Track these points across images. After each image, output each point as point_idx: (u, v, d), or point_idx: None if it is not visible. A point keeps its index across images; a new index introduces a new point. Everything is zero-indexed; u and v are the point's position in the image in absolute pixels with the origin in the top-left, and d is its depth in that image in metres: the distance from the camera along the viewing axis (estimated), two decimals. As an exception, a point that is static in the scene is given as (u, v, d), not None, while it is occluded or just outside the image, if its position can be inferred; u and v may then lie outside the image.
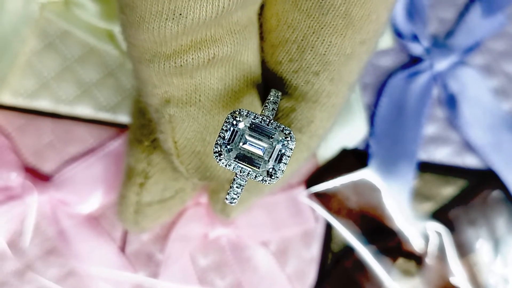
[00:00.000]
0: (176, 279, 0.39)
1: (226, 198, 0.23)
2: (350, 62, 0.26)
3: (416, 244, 0.41)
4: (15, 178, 0.38)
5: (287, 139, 0.22)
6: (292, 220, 0.39)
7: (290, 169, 0.29)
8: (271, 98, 0.24)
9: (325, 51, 0.25)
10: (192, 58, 0.22)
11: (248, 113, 0.22)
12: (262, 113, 0.23)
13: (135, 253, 0.39)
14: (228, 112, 0.24)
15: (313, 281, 0.40)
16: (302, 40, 0.25)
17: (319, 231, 0.40)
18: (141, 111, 0.30)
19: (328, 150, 0.40)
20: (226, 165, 0.22)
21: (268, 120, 0.22)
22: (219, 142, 0.22)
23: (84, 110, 0.38)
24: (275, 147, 0.22)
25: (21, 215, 0.38)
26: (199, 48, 0.21)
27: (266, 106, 0.23)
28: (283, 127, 0.22)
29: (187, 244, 0.39)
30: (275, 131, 0.22)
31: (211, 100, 0.24)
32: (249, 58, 0.24)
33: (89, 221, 0.39)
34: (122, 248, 0.39)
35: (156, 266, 0.39)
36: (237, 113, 0.22)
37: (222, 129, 0.22)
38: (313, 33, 0.25)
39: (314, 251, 0.40)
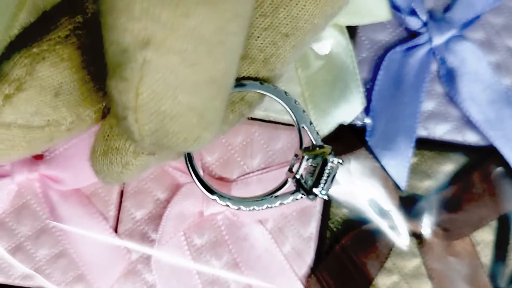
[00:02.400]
0: (169, 259, 0.38)
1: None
2: (311, 33, 0.26)
3: (407, 227, 0.40)
4: (4, 155, 0.37)
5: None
6: (289, 198, 0.38)
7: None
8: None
9: (297, 14, 0.25)
10: None
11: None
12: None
13: (128, 233, 0.38)
14: (213, 70, 0.21)
15: (311, 260, 0.39)
16: None
17: (317, 209, 0.39)
18: (47, 19, 0.25)
19: (325, 126, 0.39)
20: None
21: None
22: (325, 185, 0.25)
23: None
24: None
25: (11, 194, 0.37)
26: None
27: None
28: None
29: (182, 222, 0.38)
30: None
31: (199, 54, 0.20)
32: (247, 13, 0.21)
33: (80, 200, 0.38)
34: (115, 228, 0.38)
35: (150, 246, 0.38)
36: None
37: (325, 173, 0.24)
38: None
39: (312, 229, 0.39)
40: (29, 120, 0.24)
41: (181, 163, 0.38)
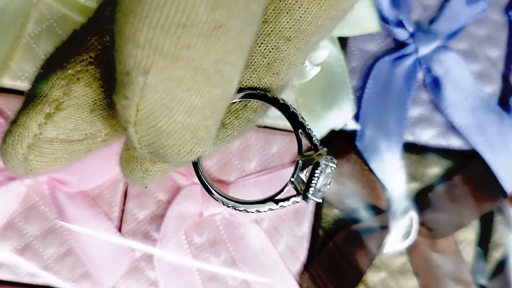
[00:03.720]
0: (171, 257, 0.40)
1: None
2: (316, 35, 0.27)
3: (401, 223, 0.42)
4: (14, 159, 0.39)
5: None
6: (283, 199, 0.41)
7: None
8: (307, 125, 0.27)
9: (300, 17, 0.26)
10: (200, 18, 0.19)
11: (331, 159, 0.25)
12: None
13: (131, 233, 0.40)
14: (209, 95, 0.22)
15: (304, 258, 0.41)
16: (280, 1, 0.25)
17: (310, 210, 0.41)
18: (78, 39, 0.27)
19: (317, 131, 0.42)
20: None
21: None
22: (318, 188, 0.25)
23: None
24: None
25: (20, 195, 0.39)
26: (211, 8, 0.19)
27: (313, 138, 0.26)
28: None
29: (182, 222, 0.40)
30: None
31: (196, 81, 0.21)
32: (248, 43, 0.23)
33: (86, 201, 0.40)
34: (119, 228, 0.40)
35: (152, 244, 0.40)
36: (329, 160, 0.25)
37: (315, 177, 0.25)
38: None
39: (305, 229, 0.41)
40: (69, 135, 0.26)
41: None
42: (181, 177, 0.40)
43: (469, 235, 0.43)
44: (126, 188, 0.40)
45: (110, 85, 0.26)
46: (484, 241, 0.44)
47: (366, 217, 0.42)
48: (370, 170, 0.42)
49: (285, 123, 0.42)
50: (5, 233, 0.39)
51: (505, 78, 0.44)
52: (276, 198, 0.26)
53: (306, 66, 0.41)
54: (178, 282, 0.40)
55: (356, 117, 0.42)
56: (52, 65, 0.26)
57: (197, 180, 0.40)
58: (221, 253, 0.41)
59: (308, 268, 0.41)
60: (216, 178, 0.41)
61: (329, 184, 0.26)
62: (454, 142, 0.43)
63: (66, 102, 0.25)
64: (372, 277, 0.42)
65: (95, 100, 0.26)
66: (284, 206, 0.26)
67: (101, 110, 0.27)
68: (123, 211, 0.40)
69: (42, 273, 0.39)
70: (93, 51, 0.26)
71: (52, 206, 0.39)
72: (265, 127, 0.42)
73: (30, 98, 0.26)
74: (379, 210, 0.42)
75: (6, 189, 0.39)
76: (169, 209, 0.40)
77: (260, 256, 0.41)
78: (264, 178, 0.40)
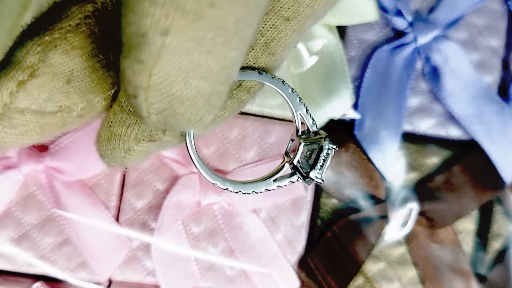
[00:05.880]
0: (168, 246, 0.40)
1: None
2: (311, 18, 0.26)
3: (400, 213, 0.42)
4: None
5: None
6: (282, 188, 0.40)
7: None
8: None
9: None
10: None
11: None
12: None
13: (129, 222, 0.40)
14: (226, 58, 0.21)
15: (302, 247, 0.41)
16: None
17: (308, 199, 0.41)
18: (58, 9, 0.25)
19: (316, 120, 0.41)
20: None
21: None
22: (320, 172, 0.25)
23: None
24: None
25: (17, 184, 0.39)
26: None
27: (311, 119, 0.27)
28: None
29: (180, 212, 0.40)
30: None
31: (216, 43, 0.20)
32: (265, 4, 0.22)
33: (83, 190, 0.39)
34: (117, 217, 0.40)
35: (149, 234, 0.40)
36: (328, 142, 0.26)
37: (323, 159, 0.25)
38: None
39: (304, 218, 0.41)
40: (42, 106, 0.25)
41: (179, 156, 0.40)
42: (179, 167, 0.40)
43: (468, 225, 0.43)
44: (124, 178, 0.40)
45: (100, 55, 0.25)
46: (484, 231, 0.44)
47: (365, 207, 0.42)
48: (369, 160, 0.42)
49: (283, 113, 0.42)
50: (2, 222, 0.39)
51: (504, 67, 0.44)
52: (274, 178, 0.26)
53: (304, 55, 0.41)
54: (176, 272, 0.40)
55: (355, 107, 0.42)
56: (30, 33, 0.25)
57: (195, 169, 0.40)
58: (219, 242, 0.40)
59: (306, 258, 0.41)
60: (214, 167, 0.40)
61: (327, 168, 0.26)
62: (453, 132, 0.43)
63: (41, 69, 0.24)
64: (370, 267, 0.42)
65: (72, 70, 0.25)
66: (281, 186, 0.26)
67: (78, 82, 0.25)
68: (120, 200, 0.40)
69: (38, 263, 0.39)
70: (73, 20, 0.25)
71: (50, 195, 0.39)
72: (263, 116, 0.42)
73: (3, 66, 0.24)
74: (378, 200, 0.42)
75: (3, 178, 0.39)
76: (166, 199, 0.39)
77: (258, 246, 0.40)
78: (262, 167, 0.40)
